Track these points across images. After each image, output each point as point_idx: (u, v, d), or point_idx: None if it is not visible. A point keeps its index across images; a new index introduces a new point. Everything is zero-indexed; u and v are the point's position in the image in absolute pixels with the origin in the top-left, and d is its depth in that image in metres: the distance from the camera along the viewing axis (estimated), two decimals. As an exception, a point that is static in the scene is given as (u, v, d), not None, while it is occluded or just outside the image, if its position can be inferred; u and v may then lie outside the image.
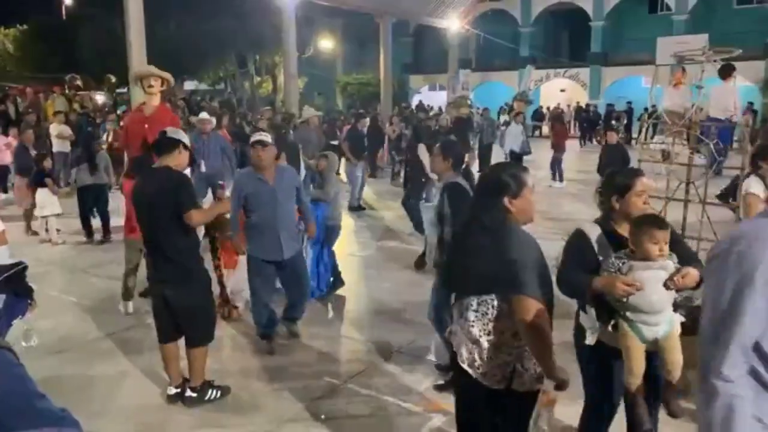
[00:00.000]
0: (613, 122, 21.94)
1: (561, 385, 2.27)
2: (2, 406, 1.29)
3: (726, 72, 8.08)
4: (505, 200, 2.32)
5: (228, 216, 4.59)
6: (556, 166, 13.30)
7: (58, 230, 8.31)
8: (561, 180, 13.19)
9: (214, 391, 3.99)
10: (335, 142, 13.21)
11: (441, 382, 4.11)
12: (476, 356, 2.35)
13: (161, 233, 3.71)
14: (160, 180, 3.71)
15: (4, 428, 1.20)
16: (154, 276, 3.90)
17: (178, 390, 3.97)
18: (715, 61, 5.65)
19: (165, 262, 3.75)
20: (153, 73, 5.79)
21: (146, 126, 5.63)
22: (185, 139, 3.90)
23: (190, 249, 3.82)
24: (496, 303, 2.31)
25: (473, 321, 2.36)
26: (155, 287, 3.91)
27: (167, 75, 5.85)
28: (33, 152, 9.40)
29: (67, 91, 16.93)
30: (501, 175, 2.38)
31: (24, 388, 1.40)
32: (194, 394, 3.91)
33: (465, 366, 2.38)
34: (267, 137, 4.61)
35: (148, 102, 5.80)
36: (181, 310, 3.80)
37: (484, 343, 2.33)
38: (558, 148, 13.45)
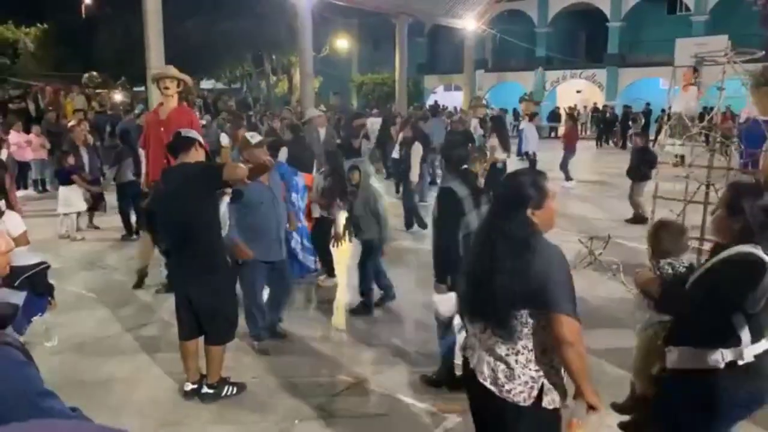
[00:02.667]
0: (630, 123, 21.79)
1: (594, 407, 2.19)
2: (4, 405, 1.30)
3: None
4: (528, 212, 2.24)
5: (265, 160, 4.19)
6: (564, 166, 13.31)
7: (81, 227, 8.42)
8: (568, 179, 13.20)
9: (231, 388, 4.03)
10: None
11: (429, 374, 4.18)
12: (500, 374, 2.26)
13: (185, 228, 3.74)
14: (182, 172, 3.78)
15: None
16: (177, 273, 3.94)
17: (195, 386, 4.01)
18: (735, 62, 5.59)
19: (190, 258, 3.78)
20: (168, 75, 5.74)
21: (162, 129, 5.62)
22: (200, 138, 3.97)
23: (213, 244, 3.85)
24: (525, 320, 2.22)
25: (500, 338, 2.26)
26: (179, 284, 3.96)
27: (185, 76, 5.82)
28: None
29: (86, 90, 17.14)
30: (523, 185, 2.28)
31: (27, 386, 1.41)
32: (211, 391, 3.96)
33: (488, 384, 2.28)
34: (257, 137, 4.73)
35: (165, 104, 5.77)
36: (204, 308, 3.83)
37: (512, 360, 2.24)
38: (568, 148, 13.40)
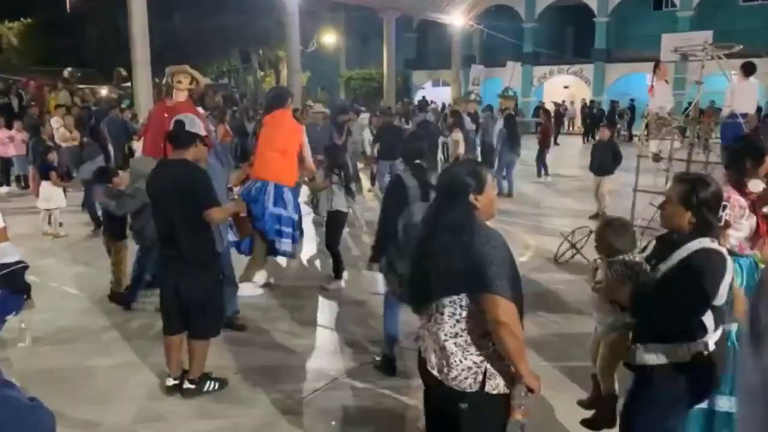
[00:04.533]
0: (617, 118, 21.94)
1: (533, 389, 2.23)
2: None
3: (748, 70, 8.05)
4: (471, 197, 2.30)
5: (243, 215, 4.74)
6: (539, 160, 13.43)
7: (60, 224, 8.35)
8: (546, 173, 13.30)
9: (212, 383, 4.02)
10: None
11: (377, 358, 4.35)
12: (444, 360, 2.29)
13: (177, 228, 3.72)
14: (177, 174, 3.72)
15: None
16: (166, 267, 3.92)
17: (177, 381, 4.00)
18: (719, 57, 5.64)
19: (182, 252, 3.75)
20: (185, 71, 5.81)
21: (166, 116, 5.66)
22: (201, 132, 3.88)
23: (206, 243, 3.84)
24: (464, 303, 2.25)
25: (440, 324, 2.31)
26: (167, 278, 3.93)
27: (197, 74, 5.89)
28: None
29: (70, 85, 16.98)
30: (462, 173, 2.35)
31: None
32: (192, 386, 3.94)
33: (434, 372, 2.33)
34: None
35: (175, 97, 5.83)
36: (195, 302, 3.83)
37: (452, 345, 2.27)
38: (543, 143, 13.49)
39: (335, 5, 24.17)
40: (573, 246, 6.87)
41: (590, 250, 6.79)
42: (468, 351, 2.26)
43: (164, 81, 6.23)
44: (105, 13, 21.53)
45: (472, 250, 2.19)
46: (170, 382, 4.02)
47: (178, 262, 3.80)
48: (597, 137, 10.34)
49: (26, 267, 3.97)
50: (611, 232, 2.63)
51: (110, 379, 4.23)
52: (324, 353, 4.70)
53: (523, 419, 2.27)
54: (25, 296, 4.56)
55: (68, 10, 24.04)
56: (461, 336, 2.27)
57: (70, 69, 18.37)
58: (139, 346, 4.72)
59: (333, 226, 6.10)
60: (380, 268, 4.17)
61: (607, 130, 9.60)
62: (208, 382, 4.01)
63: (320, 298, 5.90)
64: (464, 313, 2.26)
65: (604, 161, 9.02)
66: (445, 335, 2.29)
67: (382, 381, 4.16)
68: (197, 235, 3.77)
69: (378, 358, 4.35)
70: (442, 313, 2.30)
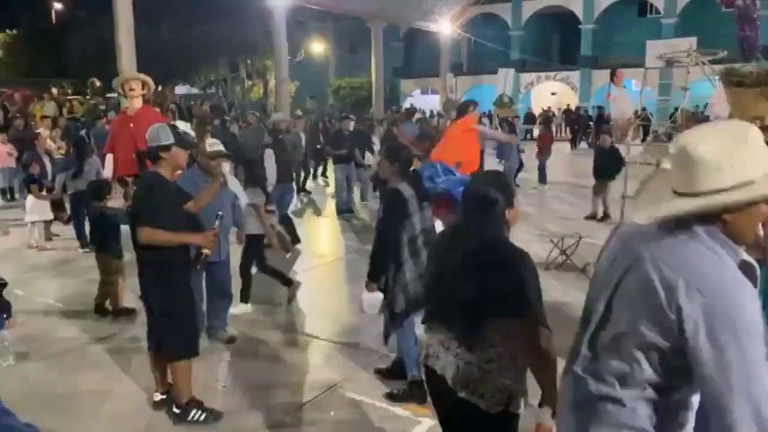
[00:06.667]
0: (604, 125, 22.08)
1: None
2: None
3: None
4: (506, 213, 2.24)
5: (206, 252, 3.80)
6: (540, 168, 13.42)
7: (50, 238, 8.27)
8: (545, 182, 13.32)
9: (199, 413, 3.76)
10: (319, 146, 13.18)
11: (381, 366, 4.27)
12: (471, 381, 2.23)
13: (137, 241, 3.58)
14: (138, 185, 3.74)
15: None
16: (140, 281, 3.85)
17: (164, 396, 3.92)
18: (702, 63, 5.70)
19: (143, 267, 3.66)
20: (136, 77, 5.84)
21: (132, 125, 5.68)
22: (170, 140, 3.60)
23: (165, 259, 3.57)
24: (498, 326, 2.19)
25: (470, 345, 2.23)
26: (142, 292, 3.86)
27: (147, 78, 5.91)
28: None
29: (59, 97, 16.89)
30: (495, 187, 2.27)
31: None
32: (177, 411, 3.78)
33: (457, 390, 2.25)
34: (216, 145, 4.58)
35: (130, 105, 5.87)
36: (157, 319, 3.72)
37: (484, 368, 2.21)
38: (542, 150, 13.54)
39: (323, 15, 24.23)
40: (563, 252, 6.88)
41: (579, 257, 6.86)
42: (500, 374, 2.21)
43: (115, 90, 6.24)
44: (90, 24, 21.45)
45: (509, 272, 2.14)
46: (157, 397, 3.94)
47: (144, 277, 3.69)
48: (598, 143, 10.57)
49: (4, 284, 3.88)
50: None
51: (97, 396, 4.15)
52: (314, 365, 4.65)
53: None
54: (5, 315, 4.48)
55: (53, 21, 23.95)
56: (494, 361, 2.21)
57: (58, 87, 18.29)
58: (127, 360, 4.64)
59: (248, 250, 5.63)
60: (379, 288, 3.90)
61: (608, 137, 9.81)
62: (193, 411, 3.75)
63: (310, 310, 5.86)
64: (497, 338, 2.19)
65: (606, 167, 9.30)
66: (478, 359, 2.22)
67: (374, 392, 4.11)
68: (152, 251, 3.52)
69: (404, 387, 4.01)
70: (474, 334, 2.21)
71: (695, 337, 1.41)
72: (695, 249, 1.49)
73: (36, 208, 8.13)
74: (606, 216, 9.34)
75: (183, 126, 3.76)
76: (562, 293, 5.93)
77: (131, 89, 5.72)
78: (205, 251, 3.73)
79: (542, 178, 13.25)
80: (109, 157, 6.17)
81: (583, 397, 1.67)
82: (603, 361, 1.63)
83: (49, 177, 8.65)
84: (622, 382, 1.57)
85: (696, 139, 1.50)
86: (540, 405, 2.18)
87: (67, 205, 8.42)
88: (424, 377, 2.52)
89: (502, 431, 2.28)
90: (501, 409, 2.20)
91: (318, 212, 11.09)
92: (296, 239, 8.22)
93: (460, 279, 2.21)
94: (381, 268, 3.81)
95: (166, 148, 3.60)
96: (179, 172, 3.94)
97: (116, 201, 5.91)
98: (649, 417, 1.56)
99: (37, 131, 9.90)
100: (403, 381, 4.04)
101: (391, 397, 3.99)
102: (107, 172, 6.32)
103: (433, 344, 2.37)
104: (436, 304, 2.40)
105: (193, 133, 3.84)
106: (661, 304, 1.47)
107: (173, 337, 3.68)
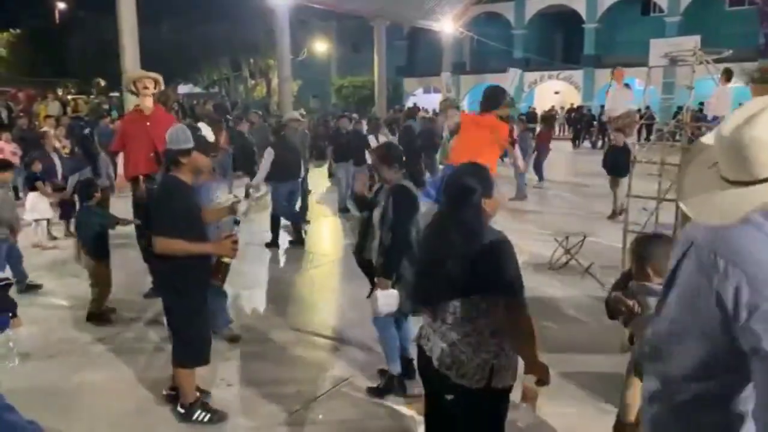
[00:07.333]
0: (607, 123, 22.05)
1: (543, 380, 2.28)
2: None
3: (727, 76, 8.90)
4: (483, 202, 2.35)
5: (227, 261, 3.76)
6: (537, 166, 13.45)
7: (56, 237, 8.27)
8: (541, 179, 13.32)
9: (203, 414, 3.76)
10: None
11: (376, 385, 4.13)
12: (453, 358, 2.35)
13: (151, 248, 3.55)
14: (157, 191, 3.64)
15: None
16: (153, 284, 3.85)
17: (172, 392, 3.93)
18: (707, 62, 5.66)
19: (155, 274, 3.69)
20: (148, 75, 5.84)
21: (148, 124, 5.68)
22: (189, 142, 3.42)
23: (177, 270, 3.47)
24: (476, 304, 2.31)
25: (451, 323, 2.36)
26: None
27: (159, 77, 5.92)
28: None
29: (63, 96, 16.93)
30: (472, 178, 2.39)
31: None
32: (182, 411, 3.80)
33: (443, 370, 2.38)
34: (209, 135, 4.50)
35: (143, 103, 5.84)
36: (170, 325, 3.74)
37: (463, 344, 2.34)
38: (540, 148, 13.53)
39: (326, 14, 24.22)
40: (567, 251, 6.86)
41: (584, 256, 6.84)
42: (479, 349, 2.32)
43: (126, 88, 6.21)
44: (92, 25, 21.48)
45: (489, 255, 2.27)
46: (165, 391, 3.99)
47: (157, 281, 3.71)
48: (611, 141, 10.63)
49: (10, 284, 3.89)
50: (662, 250, 2.40)
51: (101, 394, 4.16)
52: (318, 364, 4.64)
53: (531, 404, 2.32)
54: (10, 314, 4.48)
55: (56, 22, 24.00)
56: (472, 336, 2.33)
57: (63, 88, 18.35)
58: (128, 360, 4.64)
59: None
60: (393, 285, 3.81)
61: (621, 136, 9.83)
62: (197, 412, 3.75)
63: (313, 309, 5.86)
64: (476, 314, 2.32)
65: (618, 164, 9.35)
66: (458, 334, 2.35)
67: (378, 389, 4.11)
68: (165, 261, 3.43)
69: (386, 381, 4.07)
70: (454, 313, 2.34)
71: (755, 321, 1.33)
72: (753, 236, 1.40)
73: (36, 206, 8.12)
74: (614, 213, 9.33)
75: (205, 130, 3.59)
76: (565, 293, 5.92)
77: (145, 87, 5.71)
78: (226, 260, 3.66)
79: (539, 176, 13.27)
80: (122, 156, 6.14)
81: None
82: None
83: (59, 176, 8.62)
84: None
85: (745, 121, 1.38)
86: (525, 372, 2.31)
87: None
88: (415, 357, 2.68)
89: (487, 407, 2.38)
90: (483, 384, 2.30)
91: (320, 211, 11.09)
92: (300, 240, 8.22)
93: (441, 260, 2.34)
94: (396, 264, 3.75)
95: (186, 152, 3.44)
96: (203, 175, 3.71)
97: (127, 218, 5.90)
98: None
99: (44, 130, 9.85)
100: (405, 377, 4.07)
101: (373, 392, 4.05)
102: (120, 170, 6.30)
103: (425, 326, 2.53)
104: (422, 285, 2.56)
105: (213, 137, 3.66)
106: (718, 295, 1.39)
107: (183, 346, 3.67)
